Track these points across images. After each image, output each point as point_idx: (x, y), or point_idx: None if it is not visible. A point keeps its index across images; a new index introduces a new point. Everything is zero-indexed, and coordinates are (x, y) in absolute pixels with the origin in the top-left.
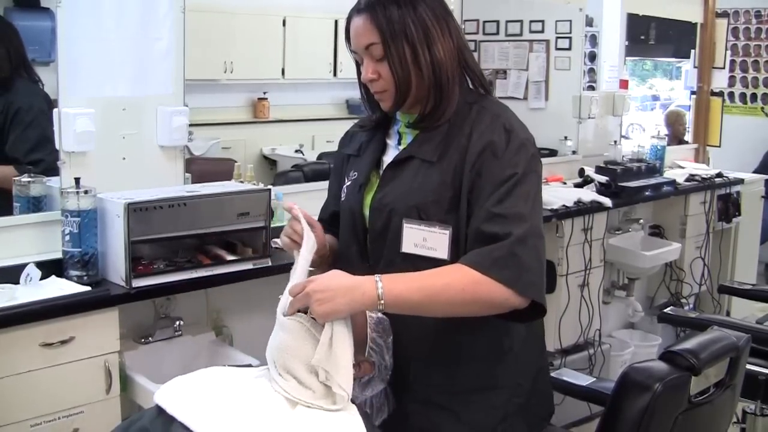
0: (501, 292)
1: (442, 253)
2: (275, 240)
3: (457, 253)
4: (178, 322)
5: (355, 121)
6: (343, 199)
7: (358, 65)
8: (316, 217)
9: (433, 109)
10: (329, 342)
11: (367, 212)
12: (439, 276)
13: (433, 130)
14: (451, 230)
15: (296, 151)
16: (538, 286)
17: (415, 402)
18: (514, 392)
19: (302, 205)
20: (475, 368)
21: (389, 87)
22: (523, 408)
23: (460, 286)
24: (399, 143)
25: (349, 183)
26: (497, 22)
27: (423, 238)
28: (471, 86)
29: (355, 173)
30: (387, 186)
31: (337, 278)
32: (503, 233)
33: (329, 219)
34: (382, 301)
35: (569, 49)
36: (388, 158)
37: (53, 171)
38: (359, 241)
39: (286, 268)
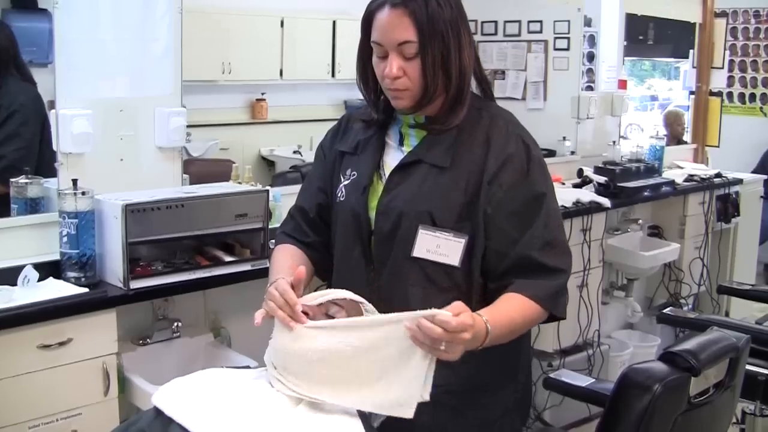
0: (543, 317)
1: (454, 260)
2: (273, 241)
3: (469, 262)
4: (176, 324)
5: None
6: (342, 199)
7: (362, 53)
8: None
9: (447, 113)
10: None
11: (372, 215)
12: (520, 313)
13: (441, 134)
14: (467, 239)
15: (294, 152)
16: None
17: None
18: (515, 387)
19: None
20: (481, 366)
21: (413, 87)
22: (519, 402)
23: (531, 320)
24: (401, 144)
25: (347, 183)
26: (495, 22)
27: (437, 245)
28: (476, 91)
29: (354, 173)
30: (394, 189)
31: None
32: (557, 268)
33: (317, 209)
34: (488, 340)
35: (568, 49)
36: (389, 159)
37: (13, 171)
38: (363, 243)
39: None
